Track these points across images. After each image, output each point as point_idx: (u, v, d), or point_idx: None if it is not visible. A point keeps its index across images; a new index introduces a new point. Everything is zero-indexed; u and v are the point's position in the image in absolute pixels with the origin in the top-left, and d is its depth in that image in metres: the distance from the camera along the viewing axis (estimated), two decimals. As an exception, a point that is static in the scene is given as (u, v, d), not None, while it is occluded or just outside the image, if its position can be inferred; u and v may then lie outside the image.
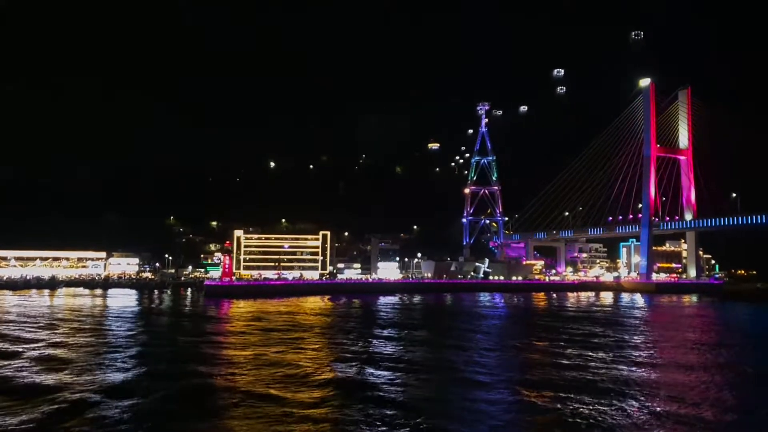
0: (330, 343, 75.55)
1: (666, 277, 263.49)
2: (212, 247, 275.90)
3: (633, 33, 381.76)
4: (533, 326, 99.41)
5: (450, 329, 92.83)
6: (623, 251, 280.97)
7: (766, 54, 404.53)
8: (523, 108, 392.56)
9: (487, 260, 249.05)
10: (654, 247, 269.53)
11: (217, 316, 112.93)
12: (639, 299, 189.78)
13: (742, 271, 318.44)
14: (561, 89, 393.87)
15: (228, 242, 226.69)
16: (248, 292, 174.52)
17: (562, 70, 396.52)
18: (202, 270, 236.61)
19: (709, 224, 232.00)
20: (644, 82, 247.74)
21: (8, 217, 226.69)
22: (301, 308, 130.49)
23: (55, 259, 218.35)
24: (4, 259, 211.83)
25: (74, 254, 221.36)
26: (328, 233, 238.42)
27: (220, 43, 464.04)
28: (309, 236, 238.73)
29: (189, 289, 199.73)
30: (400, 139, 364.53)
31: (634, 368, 59.26)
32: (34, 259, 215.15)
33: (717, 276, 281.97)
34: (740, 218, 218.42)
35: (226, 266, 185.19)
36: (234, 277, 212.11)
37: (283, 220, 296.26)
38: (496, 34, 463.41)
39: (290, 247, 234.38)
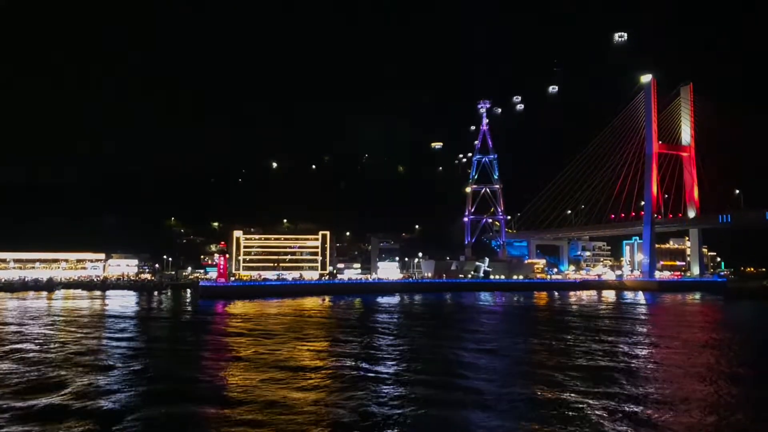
0: (312, 349, 73.82)
1: (669, 275, 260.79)
2: (213, 247, 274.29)
3: (617, 35, 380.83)
4: (529, 330, 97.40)
5: (442, 334, 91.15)
6: (626, 249, 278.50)
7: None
8: (522, 106, 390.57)
9: (487, 259, 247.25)
10: (657, 245, 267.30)
11: (201, 320, 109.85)
12: (641, 298, 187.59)
13: (752, 269, 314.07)
14: (553, 89, 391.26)
15: (223, 243, 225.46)
16: (244, 293, 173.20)
17: (563, 66, 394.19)
18: (202, 271, 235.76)
19: (718, 221, 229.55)
20: (645, 78, 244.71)
21: (8, 218, 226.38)
22: (295, 310, 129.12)
23: (54, 260, 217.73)
24: (4, 261, 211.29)
25: (73, 256, 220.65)
26: (328, 233, 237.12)
27: (221, 42, 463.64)
28: (309, 236, 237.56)
29: (188, 291, 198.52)
30: (403, 138, 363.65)
31: (632, 382, 56.06)
32: (33, 261, 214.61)
33: (722, 273, 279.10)
34: (743, 215, 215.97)
35: (221, 267, 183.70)
36: (233, 278, 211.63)
37: (285, 221, 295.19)
38: (495, 32, 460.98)
39: (290, 247, 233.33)
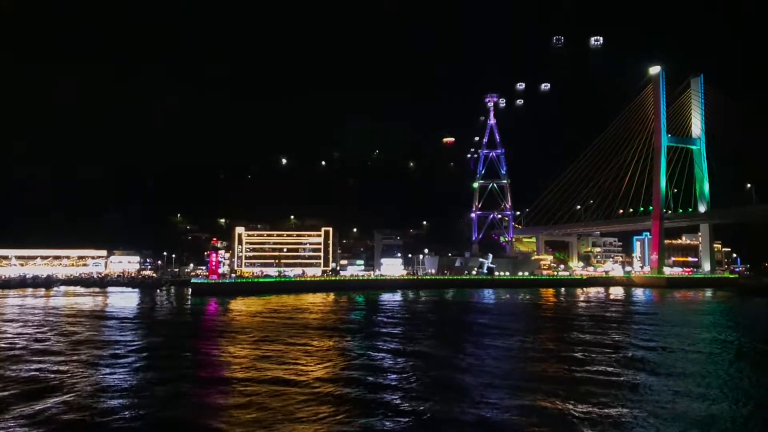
0: (276, 358, 70.57)
1: (681, 271, 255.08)
2: (218, 244, 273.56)
3: (593, 39, 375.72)
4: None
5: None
6: (637, 245, 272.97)
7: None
8: (521, 102, 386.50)
9: (491, 255, 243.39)
10: (670, 241, 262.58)
11: (177, 321, 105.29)
12: (651, 294, 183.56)
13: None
14: (547, 86, 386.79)
15: (215, 239, 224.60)
16: (237, 289, 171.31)
17: (568, 59, 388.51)
18: (204, 267, 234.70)
19: (729, 216, 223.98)
20: (654, 69, 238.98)
21: (10, 215, 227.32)
22: (284, 307, 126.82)
23: (56, 257, 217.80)
24: (5, 258, 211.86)
25: (75, 252, 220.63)
26: (330, 229, 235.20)
27: (225, 40, 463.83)
28: (312, 233, 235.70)
29: (190, 288, 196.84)
30: (413, 134, 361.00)
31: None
32: (35, 257, 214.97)
33: (738, 269, 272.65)
34: (756, 210, 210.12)
35: (213, 263, 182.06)
36: (234, 275, 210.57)
37: (292, 217, 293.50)
38: (497, 25, 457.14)
39: (292, 243, 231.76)
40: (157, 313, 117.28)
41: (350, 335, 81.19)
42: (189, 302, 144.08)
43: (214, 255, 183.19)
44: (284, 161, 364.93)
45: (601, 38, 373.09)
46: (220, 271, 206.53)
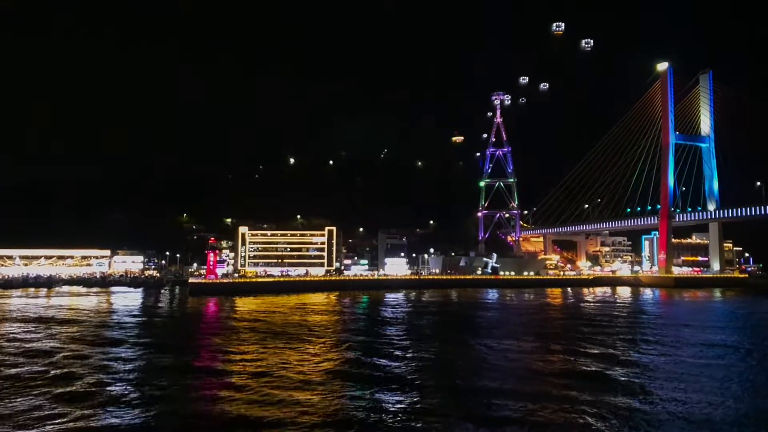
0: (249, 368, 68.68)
1: (690, 270, 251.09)
2: (224, 244, 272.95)
3: (583, 41, 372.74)
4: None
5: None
6: (645, 244, 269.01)
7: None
8: (524, 100, 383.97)
9: (495, 255, 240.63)
10: (679, 240, 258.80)
11: (153, 324, 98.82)
12: (658, 295, 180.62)
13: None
14: (544, 86, 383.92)
15: (213, 239, 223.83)
16: (236, 289, 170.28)
17: (573, 57, 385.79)
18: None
19: (738, 214, 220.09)
20: (662, 66, 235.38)
21: (15, 216, 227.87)
22: (280, 308, 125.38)
23: (60, 257, 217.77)
24: (10, 257, 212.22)
25: (78, 252, 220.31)
26: (334, 229, 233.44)
27: (225, 38, 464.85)
28: (316, 232, 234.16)
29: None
30: (424, 133, 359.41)
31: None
32: (38, 257, 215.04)
33: (750, 269, 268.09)
34: (765, 208, 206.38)
35: (211, 263, 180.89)
36: (237, 274, 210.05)
37: (299, 216, 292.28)
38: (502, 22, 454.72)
39: (296, 243, 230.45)
40: (140, 314, 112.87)
41: (337, 342, 78.23)
42: (177, 303, 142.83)
43: (211, 254, 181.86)
44: (291, 161, 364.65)
45: (606, 36, 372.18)
46: (223, 270, 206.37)
